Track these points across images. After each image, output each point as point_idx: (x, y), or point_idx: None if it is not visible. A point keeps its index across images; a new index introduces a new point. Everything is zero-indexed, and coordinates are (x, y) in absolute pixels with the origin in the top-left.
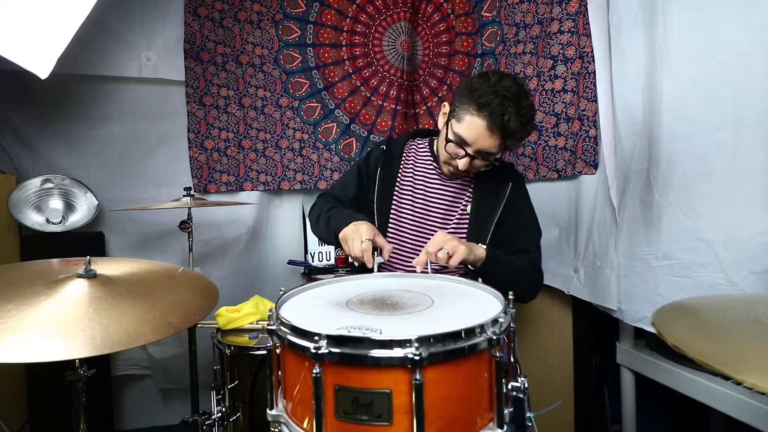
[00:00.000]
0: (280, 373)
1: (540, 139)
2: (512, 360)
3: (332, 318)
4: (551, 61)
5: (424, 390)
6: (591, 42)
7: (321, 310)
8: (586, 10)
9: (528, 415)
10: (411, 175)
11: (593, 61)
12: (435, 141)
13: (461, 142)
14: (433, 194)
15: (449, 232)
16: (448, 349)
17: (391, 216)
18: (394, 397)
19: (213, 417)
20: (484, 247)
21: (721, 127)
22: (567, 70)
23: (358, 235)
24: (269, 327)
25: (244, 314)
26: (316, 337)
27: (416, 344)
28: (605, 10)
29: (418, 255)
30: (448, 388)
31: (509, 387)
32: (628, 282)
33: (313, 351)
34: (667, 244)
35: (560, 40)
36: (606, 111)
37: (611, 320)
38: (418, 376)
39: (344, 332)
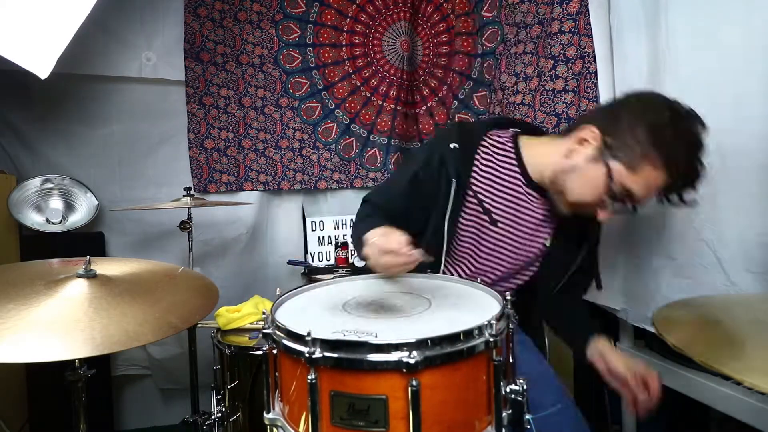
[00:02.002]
0: (277, 374)
1: None
2: (510, 361)
3: (328, 321)
4: (552, 62)
5: (421, 395)
6: (592, 42)
7: (317, 313)
8: (587, 10)
9: (527, 417)
10: (488, 183)
11: (594, 61)
12: (519, 140)
13: (627, 196)
14: (517, 215)
15: (521, 267)
16: (445, 352)
17: (458, 238)
18: (391, 402)
19: (213, 417)
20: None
21: (721, 128)
22: (568, 70)
23: (394, 235)
24: (265, 330)
25: (244, 314)
26: (310, 342)
27: (412, 348)
28: (606, 10)
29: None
30: (445, 392)
31: (507, 390)
32: (628, 282)
33: (308, 356)
34: (667, 244)
35: (561, 40)
36: None
37: (611, 320)
38: (414, 382)
39: (339, 336)
